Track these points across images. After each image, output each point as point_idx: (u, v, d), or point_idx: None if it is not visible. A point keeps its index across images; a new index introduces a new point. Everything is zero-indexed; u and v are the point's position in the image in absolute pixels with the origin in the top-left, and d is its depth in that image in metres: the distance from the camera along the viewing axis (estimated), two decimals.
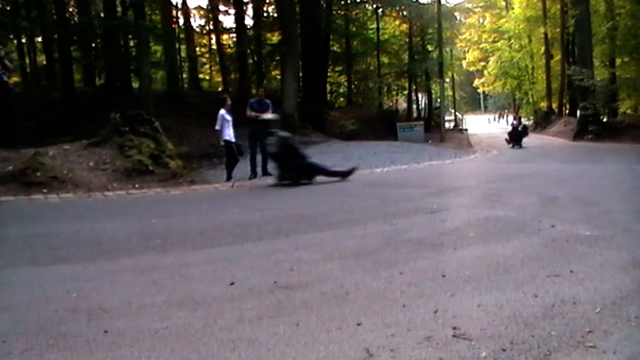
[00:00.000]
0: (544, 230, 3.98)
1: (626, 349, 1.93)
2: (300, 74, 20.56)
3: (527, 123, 27.52)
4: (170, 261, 3.38)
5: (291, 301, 2.53)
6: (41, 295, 2.69)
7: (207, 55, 34.82)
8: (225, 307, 2.46)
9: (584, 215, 4.65)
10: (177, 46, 26.30)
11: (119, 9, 22.31)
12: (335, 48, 27.87)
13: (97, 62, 23.49)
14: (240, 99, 15.48)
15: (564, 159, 12.81)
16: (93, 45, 22.25)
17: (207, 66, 36.00)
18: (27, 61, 24.73)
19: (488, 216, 4.65)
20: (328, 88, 26.75)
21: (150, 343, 2.07)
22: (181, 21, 28.81)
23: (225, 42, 31.24)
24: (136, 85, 21.19)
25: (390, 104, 32.05)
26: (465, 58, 46.24)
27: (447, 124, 26.89)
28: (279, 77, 26.67)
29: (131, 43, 23.61)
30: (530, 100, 37.14)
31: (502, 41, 37.63)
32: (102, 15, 21.89)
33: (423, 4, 27.05)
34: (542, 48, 32.94)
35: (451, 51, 36.85)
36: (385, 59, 30.32)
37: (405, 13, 28.18)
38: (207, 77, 35.26)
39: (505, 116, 46.35)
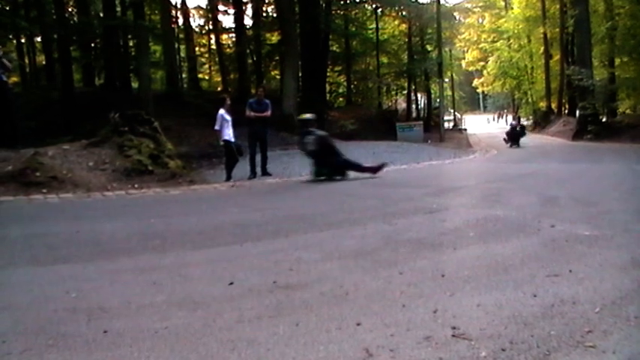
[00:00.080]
0: (544, 230, 3.98)
1: (625, 348, 1.92)
2: (300, 74, 20.58)
3: (526, 123, 27.58)
4: (169, 261, 3.38)
5: (290, 301, 2.52)
6: (41, 295, 2.68)
7: (206, 55, 34.85)
8: (225, 307, 2.46)
9: (583, 215, 4.65)
10: (176, 46, 26.35)
11: (118, 9, 22.30)
12: (334, 48, 27.90)
13: (96, 62, 23.49)
14: (240, 99, 15.50)
15: (564, 159, 12.82)
16: (92, 45, 22.25)
17: (207, 66, 36.04)
18: (26, 61, 24.73)
19: (487, 216, 4.65)
20: (328, 88, 26.76)
21: (149, 343, 2.07)
22: (181, 21, 28.85)
23: (224, 42, 31.25)
24: (135, 85, 21.18)
25: (390, 104, 32.08)
26: (464, 58, 46.28)
27: (446, 124, 26.91)
28: (278, 77, 26.71)
29: (130, 43, 23.60)
30: (530, 99, 37.17)
31: (501, 41, 37.68)
32: (101, 15, 21.89)
33: (423, 4, 27.10)
34: (542, 48, 32.98)
35: (450, 51, 36.88)
36: (384, 59, 30.34)
37: (404, 13, 28.21)
38: (207, 77, 35.30)
39: (504, 116, 46.37)
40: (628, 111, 25.86)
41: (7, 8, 18.10)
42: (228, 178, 8.78)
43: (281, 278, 2.89)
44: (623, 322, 2.15)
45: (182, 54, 29.20)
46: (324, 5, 23.12)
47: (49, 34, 19.30)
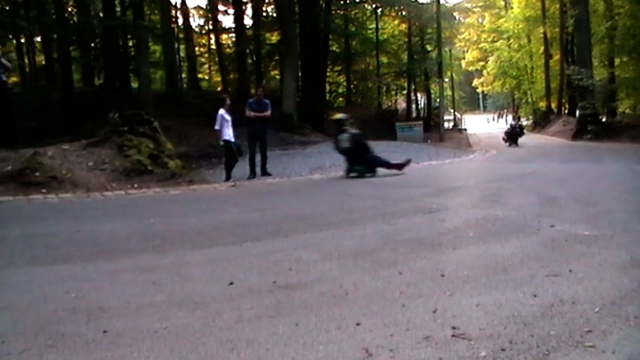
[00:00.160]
0: (543, 230, 3.98)
1: (625, 348, 1.92)
2: (299, 74, 20.57)
3: (525, 123, 27.61)
4: (169, 261, 3.38)
5: (290, 301, 2.52)
6: (40, 295, 2.68)
7: (206, 55, 34.84)
8: (224, 307, 2.46)
9: (583, 215, 4.65)
10: (176, 45, 26.32)
11: (118, 9, 22.29)
12: (334, 48, 27.91)
13: (96, 62, 23.49)
14: (240, 99, 15.49)
15: (563, 159, 12.82)
16: (92, 45, 22.23)
17: (207, 66, 36.03)
18: (26, 61, 24.73)
19: (487, 216, 4.65)
20: (327, 87, 26.77)
21: (149, 343, 2.07)
22: (180, 21, 28.82)
23: (224, 42, 31.24)
24: (135, 85, 21.18)
25: (389, 104, 32.12)
26: (464, 58, 46.28)
27: (446, 124, 26.91)
28: (278, 77, 26.71)
29: (130, 43, 23.59)
30: (530, 99, 37.19)
31: (501, 41, 37.69)
32: (101, 15, 21.89)
33: (422, 3, 27.11)
34: (542, 48, 32.99)
35: (450, 51, 36.88)
36: (384, 59, 30.36)
37: (404, 12, 28.22)
38: (207, 77, 35.30)
39: (504, 116, 46.36)
40: (628, 111, 25.88)
41: (7, 8, 18.09)
42: (228, 178, 8.78)
43: (280, 278, 2.89)
44: (622, 321, 2.15)
45: (182, 54, 29.19)
46: (323, 5, 23.12)
47: (48, 34, 19.30)
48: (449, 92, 36.80)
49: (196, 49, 31.68)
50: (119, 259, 3.47)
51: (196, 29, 32.86)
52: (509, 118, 36.89)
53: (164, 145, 9.07)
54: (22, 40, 23.90)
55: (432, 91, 30.65)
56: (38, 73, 24.69)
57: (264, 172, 9.28)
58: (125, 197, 6.89)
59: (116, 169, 7.95)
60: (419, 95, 32.74)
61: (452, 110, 37.61)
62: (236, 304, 2.49)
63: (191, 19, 31.42)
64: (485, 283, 2.70)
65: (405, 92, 31.09)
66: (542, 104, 34.45)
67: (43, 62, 24.12)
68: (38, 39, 23.12)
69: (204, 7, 32.28)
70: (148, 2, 22.00)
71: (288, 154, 12.68)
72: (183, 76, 27.96)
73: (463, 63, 46.45)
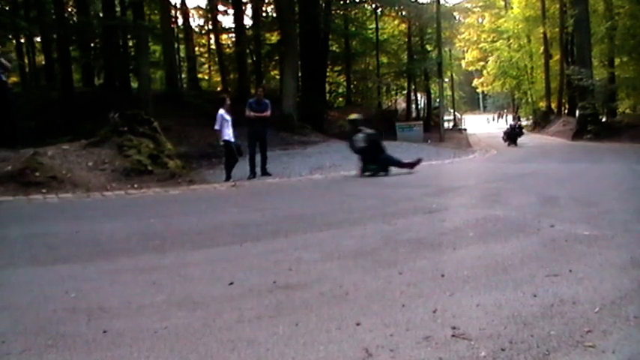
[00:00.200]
0: (543, 230, 3.98)
1: (625, 348, 1.93)
2: (299, 74, 20.57)
3: (526, 123, 27.64)
4: (169, 261, 3.38)
5: (290, 301, 2.52)
6: (40, 295, 2.68)
7: (206, 55, 34.83)
8: (225, 307, 2.46)
9: (583, 215, 4.65)
10: (176, 46, 26.32)
11: (118, 9, 22.29)
12: (334, 48, 27.89)
13: (96, 62, 23.47)
14: (240, 99, 15.49)
15: (563, 159, 12.82)
16: (92, 45, 22.21)
17: (206, 66, 36.02)
18: (26, 61, 24.73)
19: (487, 216, 4.65)
20: (327, 87, 26.77)
21: (149, 343, 2.07)
22: (180, 21, 28.82)
23: (224, 42, 31.23)
24: (135, 85, 21.18)
25: (389, 104, 32.11)
26: (464, 58, 46.29)
27: (446, 124, 26.93)
28: (278, 77, 26.70)
29: (130, 43, 23.58)
30: (529, 99, 37.19)
31: (501, 41, 37.70)
32: (101, 15, 21.87)
33: (422, 3, 27.12)
34: (541, 48, 32.99)
35: (450, 51, 36.91)
36: (384, 59, 30.35)
37: (404, 12, 28.22)
38: (207, 77, 35.28)
39: (504, 116, 46.38)
40: (627, 111, 25.88)
41: (7, 8, 18.09)
42: (228, 178, 8.78)
43: (281, 278, 2.89)
44: (622, 321, 2.15)
45: (182, 54, 29.19)
46: (323, 5, 23.11)
47: (48, 34, 19.29)
48: (449, 92, 36.83)
49: (196, 49, 31.68)
50: (119, 259, 3.47)
51: (196, 29, 32.89)
52: (509, 118, 36.93)
53: (164, 145, 9.07)
54: (22, 40, 23.90)
55: (431, 91, 30.66)
56: (38, 73, 24.68)
57: (264, 172, 9.28)
58: (125, 197, 6.89)
59: (116, 169, 7.95)
60: (419, 95, 32.75)
61: (452, 110, 37.64)
62: (236, 304, 2.49)
63: (191, 19, 31.47)
64: (485, 283, 2.70)
65: (405, 92, 31.09)
66: (542, 104, 34.45)
67: (43, 62, 24.11)
68: (38, 39, 23.12)
69: (204, 7, 32.35)
70: (148, 2, 21.99)
71: (288, 154, 12.68)
72: (183, 76, 27.96)
73: (463, 63, 46.45)
